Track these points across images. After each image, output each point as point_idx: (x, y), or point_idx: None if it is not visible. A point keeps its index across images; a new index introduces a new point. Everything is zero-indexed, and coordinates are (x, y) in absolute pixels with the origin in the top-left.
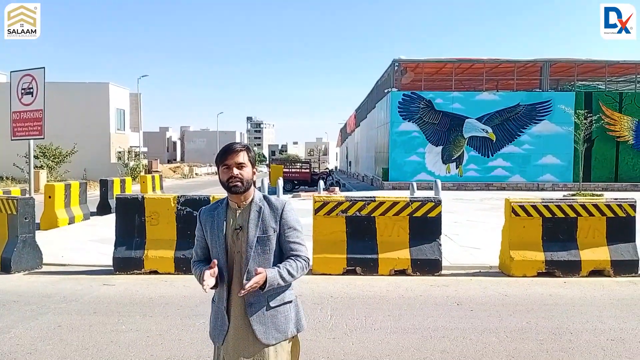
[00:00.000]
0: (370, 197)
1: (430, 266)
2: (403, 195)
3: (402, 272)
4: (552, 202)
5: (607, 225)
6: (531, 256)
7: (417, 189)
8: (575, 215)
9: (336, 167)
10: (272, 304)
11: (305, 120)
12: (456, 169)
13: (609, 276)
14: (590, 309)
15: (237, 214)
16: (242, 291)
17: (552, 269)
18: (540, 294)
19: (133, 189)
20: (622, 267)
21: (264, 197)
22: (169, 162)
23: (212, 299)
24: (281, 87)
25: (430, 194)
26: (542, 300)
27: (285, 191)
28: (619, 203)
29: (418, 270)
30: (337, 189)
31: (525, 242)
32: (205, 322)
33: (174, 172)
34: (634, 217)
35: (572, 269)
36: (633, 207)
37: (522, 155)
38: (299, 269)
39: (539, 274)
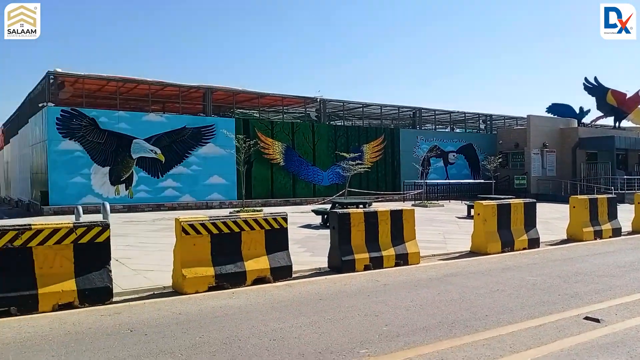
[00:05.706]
0: (26, 224)
1: (100, 295)
2: (67, 220)
3: (69, 306)
4: (219, 219)
5: (266, 237)
6: (202, 272)
7: (84, 213)
8: (239, 230)
9: None
10: None
11: None
12: (126, 190)
13: (270, 282)
14: (255, 314)
15: None
16: None
17: (221, 282)
18: (212, 307)
19: None
20: (279, 273)
21: None
22: None
23: None
24: None
25: (99, 217)
26: (214, 313)
27: None
28: (274, 217)
29: (87, 301)
30: None
31: (196, 260)
32: None
33: None
34: (286, 227)
35: (239, 280)
36: (285, 219)
37: (190, 175)
38: None
39: (210, 288)
